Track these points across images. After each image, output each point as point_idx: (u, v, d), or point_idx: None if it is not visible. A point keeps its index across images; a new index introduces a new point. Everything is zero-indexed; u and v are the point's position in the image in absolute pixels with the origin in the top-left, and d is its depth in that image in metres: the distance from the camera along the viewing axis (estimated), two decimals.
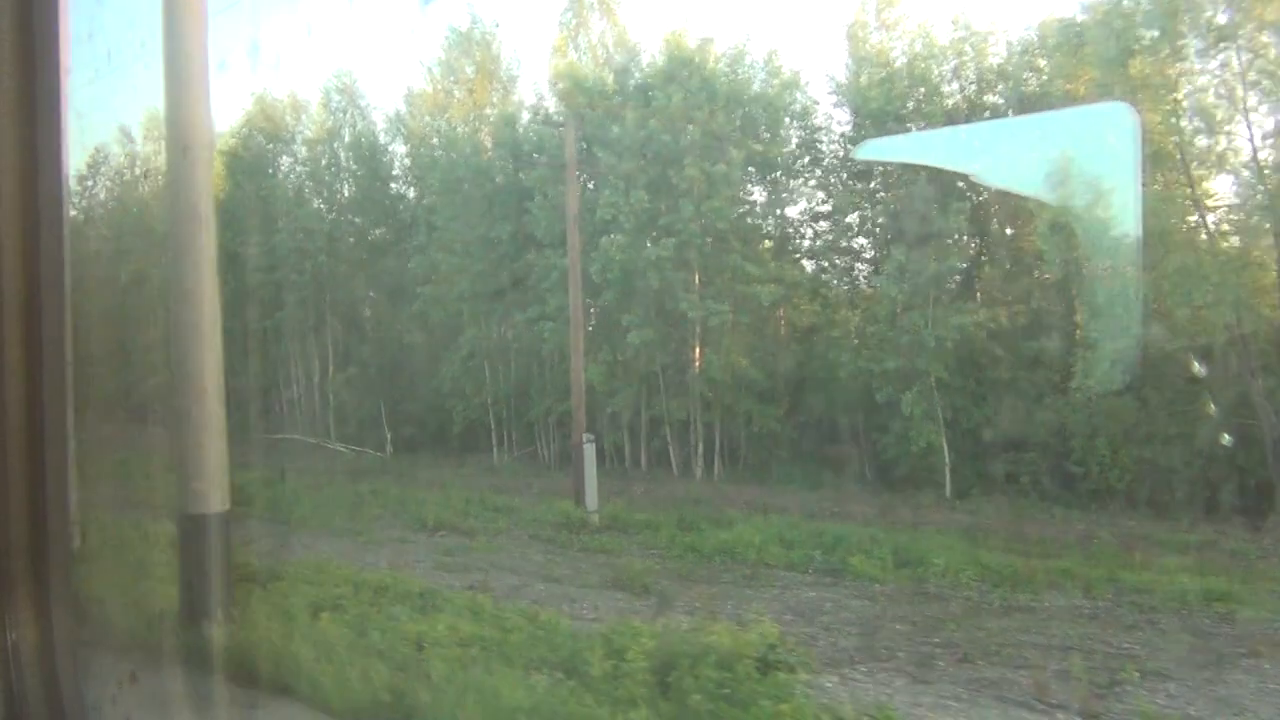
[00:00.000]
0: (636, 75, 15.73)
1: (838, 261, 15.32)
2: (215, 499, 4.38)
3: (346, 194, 17.67)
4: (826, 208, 15.26)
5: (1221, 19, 10.08)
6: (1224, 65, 10.14)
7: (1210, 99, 10.26)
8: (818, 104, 15.08)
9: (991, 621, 6.24)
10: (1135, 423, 11.22)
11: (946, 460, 12.15)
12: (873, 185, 14.89)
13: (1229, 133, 10.33)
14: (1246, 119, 10.18)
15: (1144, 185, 9.70)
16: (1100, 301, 10.78)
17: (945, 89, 13.82)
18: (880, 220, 14.84)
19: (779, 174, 15.42)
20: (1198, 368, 10.37)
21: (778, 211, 15.85)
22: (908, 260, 12.62)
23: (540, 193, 15.22)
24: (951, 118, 13.10)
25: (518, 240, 16.04)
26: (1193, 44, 10.24)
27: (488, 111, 17.26)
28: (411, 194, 17.59)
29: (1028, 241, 13.20)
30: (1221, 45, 10.06)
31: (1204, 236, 10.83)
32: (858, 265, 15.36)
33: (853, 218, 15.02)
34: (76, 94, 1.68)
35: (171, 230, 4.22)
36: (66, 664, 1.81)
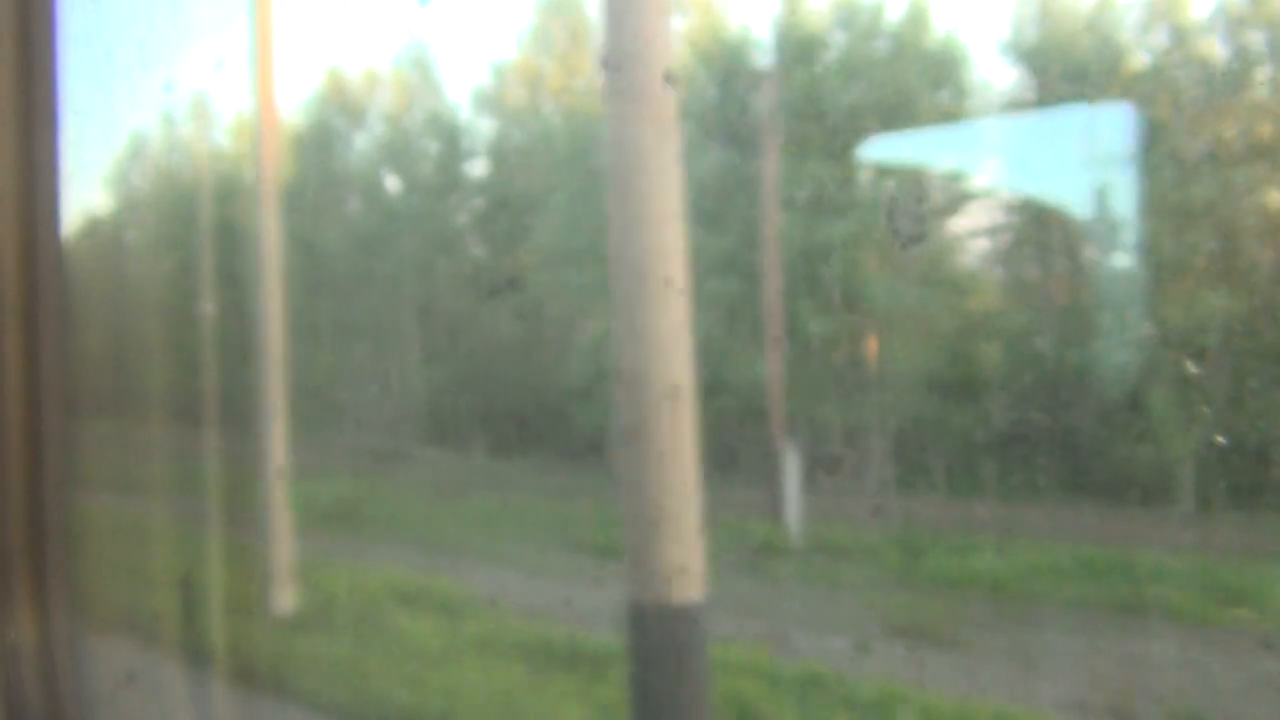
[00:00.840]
0: (794, 28, 14.78)
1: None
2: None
3: (426, 174, 17.41)
4: None
5: None
6: None
7: None
8: (990, 61, 13.93)
9: None
10: None
11: (1188, 468, 10.67)
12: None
13: None
14: None
15: None
16: None
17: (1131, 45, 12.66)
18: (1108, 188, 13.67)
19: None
20: None
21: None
22: (1142, 234, 11.51)
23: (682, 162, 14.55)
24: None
25: None
26: None
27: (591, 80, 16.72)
28: (502, 171, 17.18)
29: None
30: None
31: None
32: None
33: None
34: (74, 92, 1.67)
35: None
36: (65, 663, 1.82)
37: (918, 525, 10.13)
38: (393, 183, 17.36)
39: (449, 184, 16.74)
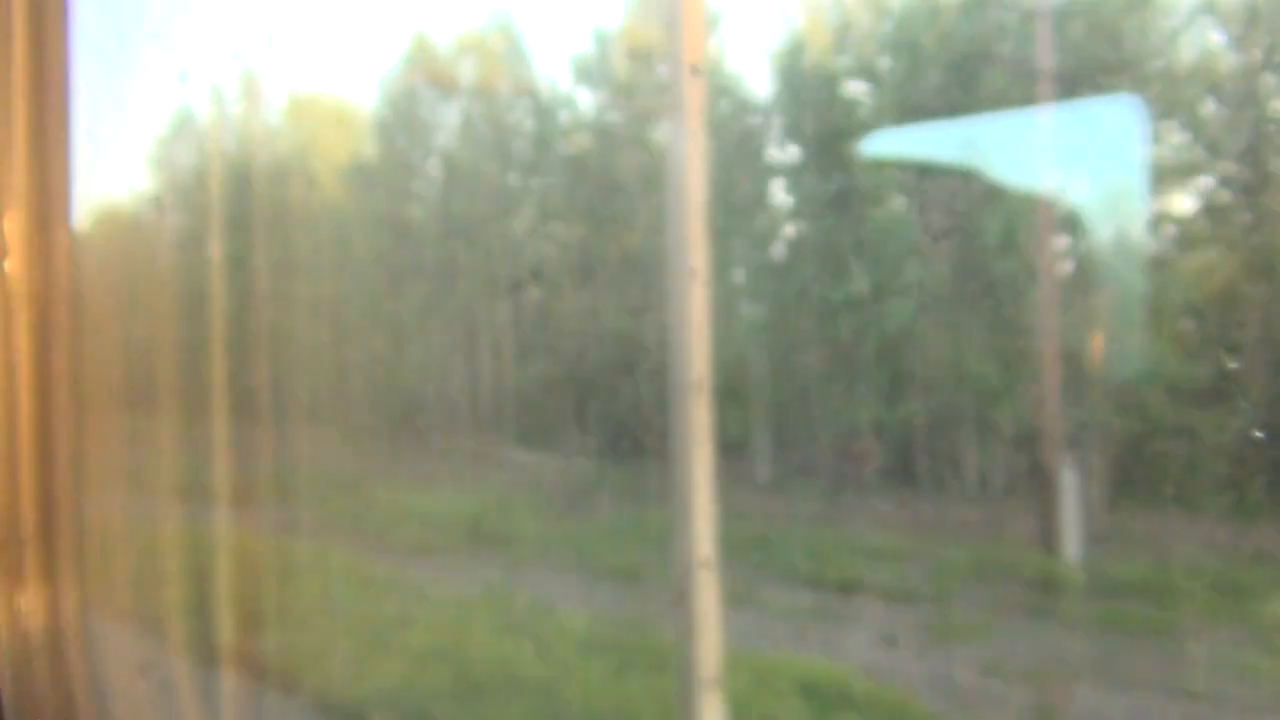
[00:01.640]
0: None
1: None
2: None
3: (520, 150, 16.81)
4: None
5: None
6: None
7: None
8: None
9: None
10: None
11: None
12: None
13: None
14: None
15: None
16: None
17: None
18: None
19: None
20: None
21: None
22: None
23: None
24: None
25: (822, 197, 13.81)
26: None
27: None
28: (605, 147, 16.45)
29: None
30: None
31: None
32: None
33: None
34: (85, 84, 1.66)
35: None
36: (77, 653, 1.83)
37: (1208, 554, 7.50)
38: (483, 160, 16.64)
39: (547, 161, 15.77)
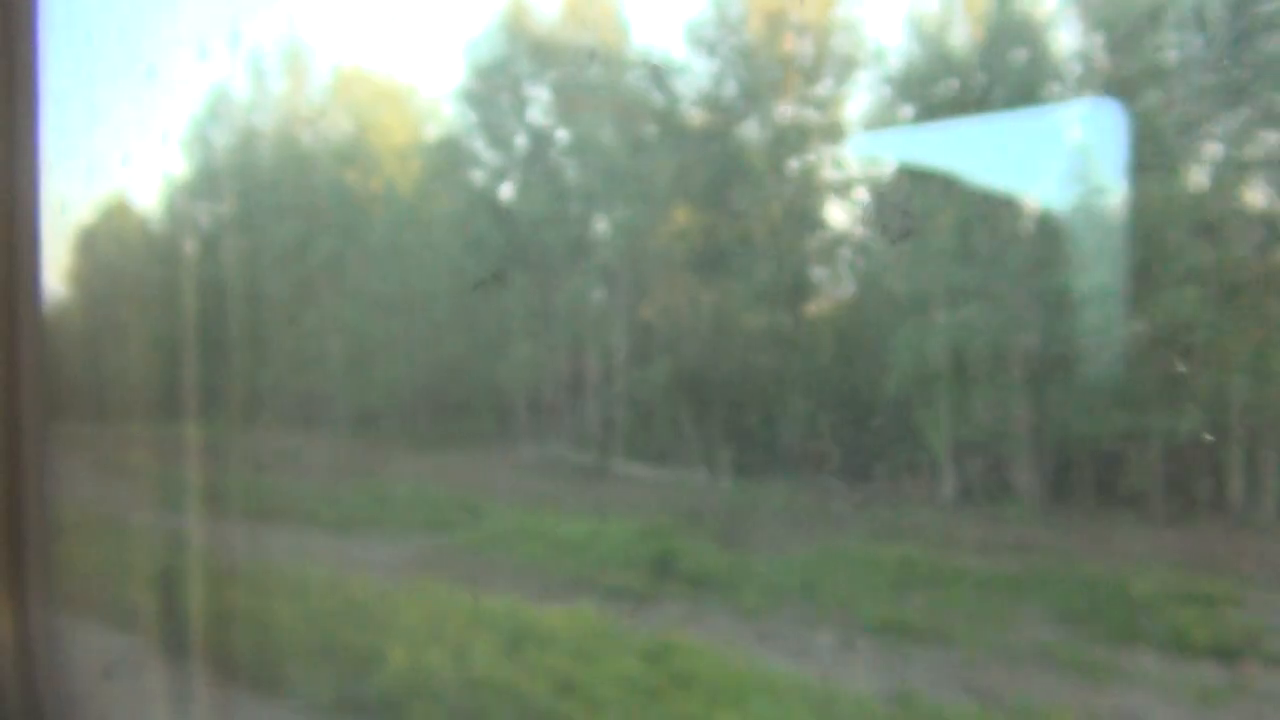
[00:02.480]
0: None
1: None
2: None
3: (631, 125, 15.97)
4: None
5: None
6: None
7: None
8: None
9: None
10: None
11: None
12: None
13: None
14: None
15: None
16: None
17: None
18: None
19: None
20: None
21: None
22: None
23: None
24: None
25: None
26: None
27: None
28: (728, 121, 15.61)
29: None
30: None
31: None
32: None
33: None
34: (54, 80, 1.61)
35: None
36: (43, 659, 1.81)
37: None
38: (589, 137, 15.39)
39: (662, 138, 14.78)
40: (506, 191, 9.69)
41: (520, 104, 11.02)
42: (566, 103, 10.91)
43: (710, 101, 10.16)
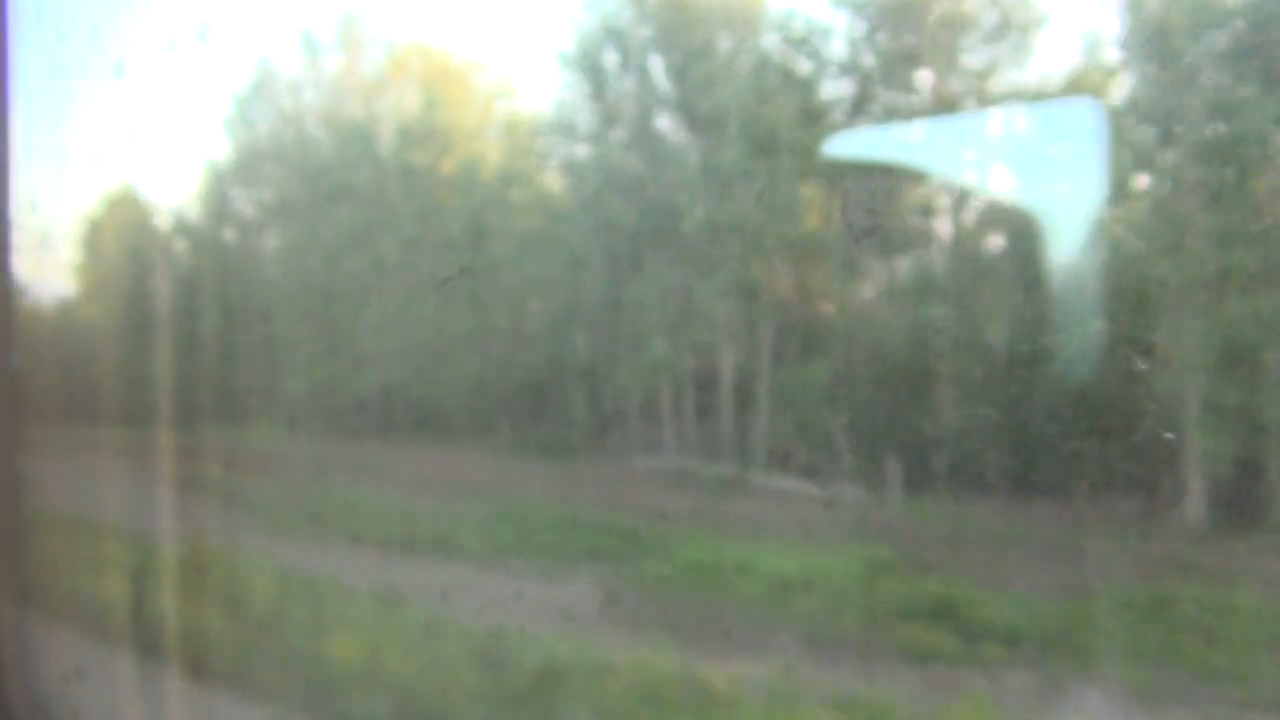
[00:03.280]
0: None
1: None
2: None
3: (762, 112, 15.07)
4: None
5: None
6: None
7: None
8: None
9: None
10: None
11: None
12: None
13: None
14: None
15: None
16: None
17: None
18: None
19: None
20: None
21: None
22: None
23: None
24: None
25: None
26: None
27: None
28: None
29: None
30: None
31: None
32: None
33: None
34: (23, 81, 1.59)
35: None
36: (13, 658, 1.80)
37: None
38: (723, 112, 14.22)
39: (802, 108, 13.69)
40: (632, 169, 9.12)
41: (644, 73, 10.67)
42: (699, 71, 10.76)
43: (860, 70, 10.42)
